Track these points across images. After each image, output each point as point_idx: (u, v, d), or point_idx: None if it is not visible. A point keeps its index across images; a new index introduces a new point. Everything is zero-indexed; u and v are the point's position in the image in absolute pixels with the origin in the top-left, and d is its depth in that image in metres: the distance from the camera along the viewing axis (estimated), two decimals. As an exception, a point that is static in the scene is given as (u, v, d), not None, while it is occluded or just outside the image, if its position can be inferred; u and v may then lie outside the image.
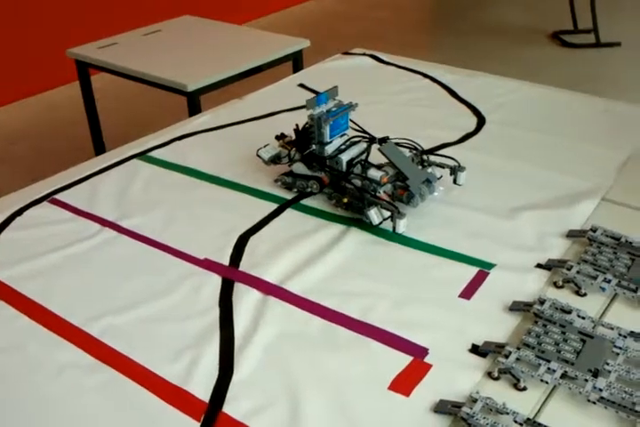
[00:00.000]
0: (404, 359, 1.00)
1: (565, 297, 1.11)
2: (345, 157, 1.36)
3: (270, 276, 1.17)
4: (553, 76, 3.82)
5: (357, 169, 1.36)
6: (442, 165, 1.41)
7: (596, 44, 4.46)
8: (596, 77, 3.98)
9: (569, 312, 1.05)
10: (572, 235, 1.27)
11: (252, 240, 1.27)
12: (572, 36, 4.61)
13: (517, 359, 0.97)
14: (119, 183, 1.48)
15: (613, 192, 1.42)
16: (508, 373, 0.95)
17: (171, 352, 1.02)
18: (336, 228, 1.31)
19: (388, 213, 1.27)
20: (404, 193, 1.32)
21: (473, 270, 1.19)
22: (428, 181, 1.35)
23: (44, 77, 3.62)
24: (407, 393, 0.94)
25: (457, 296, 1.13)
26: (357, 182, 1.33)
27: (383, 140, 1.39)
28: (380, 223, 1.27)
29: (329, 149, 1.37)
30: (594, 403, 0.91)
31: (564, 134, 1.66)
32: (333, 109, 1.37)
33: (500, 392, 0.93)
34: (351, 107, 1.40)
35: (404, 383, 0.95)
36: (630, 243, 1.22)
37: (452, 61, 2.39)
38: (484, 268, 1.19)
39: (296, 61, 2.53)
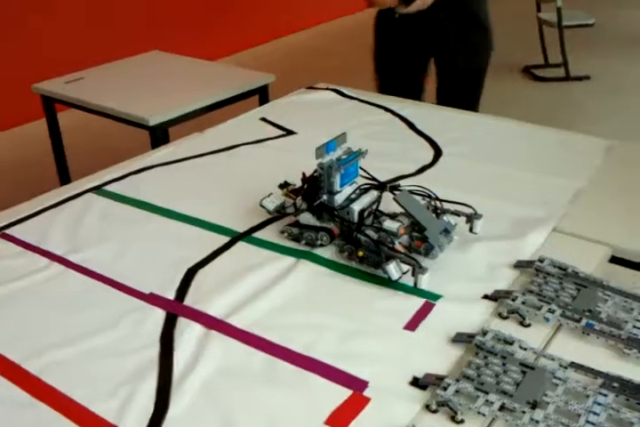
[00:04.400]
0: (344, 393, 0.99)
1: (510, 328, 1.10)
2: (357, 207, 1.29)
3: (215, 310, 1.16)
4: (524, 109, 3.87)
5: (369, 219, 1.31)
6: (457, 213, 1.35)
7: (566, 78, 4.54)
8: (567, 110, 4.04)
9: (511, 343, 1.05)
10: (519, 265, 1.27)
11: (200, 274, 1.27)
12: (542, 70, 4.69)
13: (457, 391, 0.96)
14: (72, 217, 1.47)
15: (565, 223, 1.43)
16: (445, 405, 0.94)
17: (108, 388, 1.00)
18: (286, 260, 1.31)
19: (406, 267, 1.20)
20: (421, 244, 1.26)
21: (419, 302, 1.18)
22: (446, 231, 1.29)
23: (11, 114, 3.60)
24: (343, 428, 0.92)
25: (402, 328, 1.12)
26: (372, 234, 1.26)
27: (394, 188, 1.34)
28: (399, 278, 1.20)
29: (339, 199, 1.31)
30: (530, 435, 0.90)
31: (519, 166, 1.68)
32: (343, 157, 1.31)
33: (437, 425, 0.92)
34: (361, 154, 1.34)
35: (341, 418, 0.94)
36: (577, 273, 1.22)
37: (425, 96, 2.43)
38: (431, 299, 1.19)
39: (262, 96, 2.55)
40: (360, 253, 1.25)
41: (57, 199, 1.55)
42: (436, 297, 1.19)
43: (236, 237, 1.38)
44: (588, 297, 1.16)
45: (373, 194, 1.34)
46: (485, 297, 1.19)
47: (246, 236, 1.39)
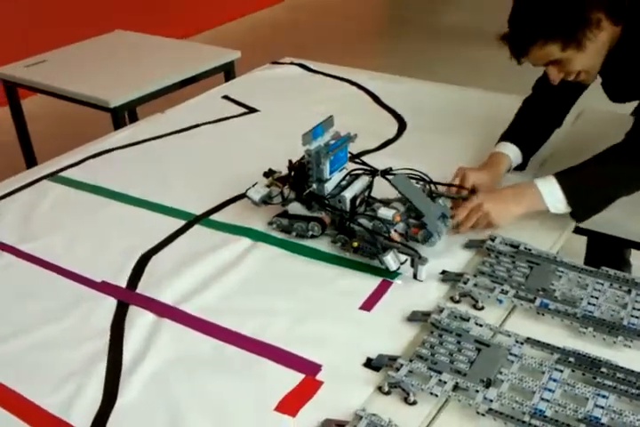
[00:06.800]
0: (296, 378, 0.96)
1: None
2: (348, 195, 1.21)
3: (167, 296, 1.14)
4: (500, 77, 3.83)
5: (361, 207, 1.24)
6: (452, 196, 1.30)
7: (544, 44, 4.48)
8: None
9: (467, 320, 1.03)
10: (470, 245, 1.24)
11: (154, 260, 1.24)
12: (520, 36, 4.63)
13: (410, 372, 0.94)
14: (25, 206, 1.43)
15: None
16: (398, 387, 0.92)
17: (55, 381, 0.98)
18: (243, 242, 1.28)
19: (404, 257, 1.15)
20: (418, 231, 1.18)
21: (377, 280, 1.16)
22: (444, 216, 1.21)
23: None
24: (294, 414, 0.90)
25: (357, 308, 1.10)
26: (366, 223, 1.19)
27: (386, 172, 1.26)
28: (398, 269, 1.15)
29: (329, 187, 1.23)
30: (483, 415, 0.88)
31: (483, 137, 1.64)
32: (332, 142, 1.22)
33: (390, 407, 0.91)
34: (350, 138, 1.26)
35: (292, 403, 0.92)
36: (529, 250, 1.19)
37: (403, 67, 2.36)
38: (389, 277, 1.16)
39: (228, 73, 2.49)
40: (354, 244, 1.18)
41: (11, 188, 1.50)
42: (394, 275, 1.17)
43: (192, 221, 1.35)
44: (542, 275, 1.13)
45: (365, 180, 1.27)
46: (443, 273, 1.17)
47: (203, 218, 1.36)
